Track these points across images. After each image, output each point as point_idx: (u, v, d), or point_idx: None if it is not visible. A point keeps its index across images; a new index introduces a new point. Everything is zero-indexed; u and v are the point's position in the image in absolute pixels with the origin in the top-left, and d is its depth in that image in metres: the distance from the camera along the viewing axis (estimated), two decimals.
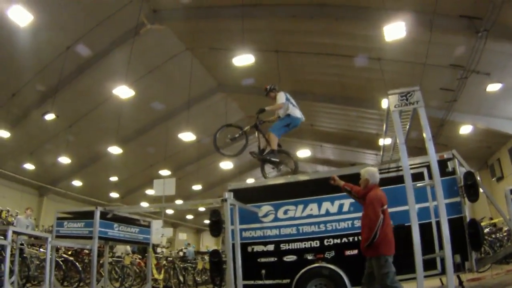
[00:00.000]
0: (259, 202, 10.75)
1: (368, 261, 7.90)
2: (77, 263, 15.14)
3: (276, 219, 10.55)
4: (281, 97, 11.28)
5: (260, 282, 10.32)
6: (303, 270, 9.67)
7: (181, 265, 17.84)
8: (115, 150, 27.62)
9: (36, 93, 24.52)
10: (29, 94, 24.42)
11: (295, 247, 10.13)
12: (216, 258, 10.66)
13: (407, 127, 8.98)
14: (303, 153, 32.11)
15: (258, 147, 11.77)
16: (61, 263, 14.66)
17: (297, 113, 11.34)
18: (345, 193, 9.30)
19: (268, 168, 12.07)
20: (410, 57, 18.48)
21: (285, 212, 10.46)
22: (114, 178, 34.55)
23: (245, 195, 10.62)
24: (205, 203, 10.10)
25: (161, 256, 19.95)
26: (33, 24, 17.07)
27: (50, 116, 22.99)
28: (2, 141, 26.78)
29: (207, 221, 49.12)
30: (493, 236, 16.40)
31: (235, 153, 12.18)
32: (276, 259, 10.35)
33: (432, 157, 7.99)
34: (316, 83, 23.16)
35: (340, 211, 9.94)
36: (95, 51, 22.02)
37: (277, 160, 11.47)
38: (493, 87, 18.40)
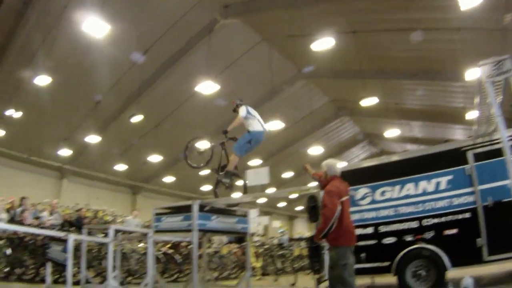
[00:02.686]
0: (356, 185, 10.69)
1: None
2: (176, 256, 15.52)
3: (373, 201, 10.55)
4: (241, 111, 11.17)
5: (360, 265, 10.26)
6: (403, 252, 9.65)
7: (279, 252, 17.98)
8: (201, 144, 27.76)
9: (120, 98, 25.48)
10: (114, 99, 25.43)
11: (394, 229, 10.10)
12: (314, 244, 10.71)
13: (500, 98, 8.67)
14: (391, 132, 31.64)
15: (218, 164, 11.84)
16: (161, 256, 15.08)
17: (256, 126, 11.17)
18: (441, 171, 9.26)
19: (221, 187, 12.04)
20: (489, 24, 17.75)
21: (382, 194, 10.42)
22: (205, 172, 35.07)
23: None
24: (303, 189, 10.11)
25: (258, 244, 20.21)
26: (110, 33, 17.51)
27: (136, 118, 23.77)
28: (93, 146, 28.17)
29: (299, 208, 49.06)
30: None
31: (200, 165, 12.39)
32: (375, 241, 10.35)
33: None
34: (397, 60, 22.49)
35: (437, 190, 9.78)
36: (173, 51, 22.44)
37: (228, 182, 11.62)
38: None
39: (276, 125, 26.15)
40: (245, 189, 12.17)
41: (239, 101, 11.71)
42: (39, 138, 27.78)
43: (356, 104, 26.12)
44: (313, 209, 9.80)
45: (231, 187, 11.80)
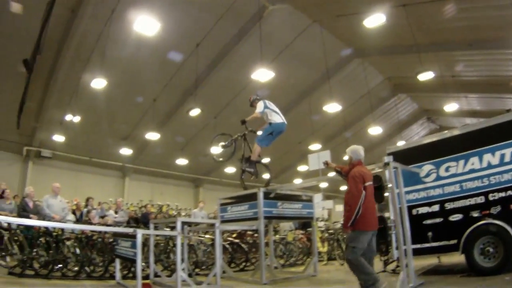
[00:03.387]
0: (419, 162, 10.65)
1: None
2: (242, 245, 15.61)
3: (438, 177, 10.39)
4: (259, 106, 11.77)
5: (427, 245, 10.16)
6: (470, 229, 9.43)
7: (344, 235, 17.93)
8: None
9: (176, 93, 25.82)
10: (170, 95, 25.81)
11: (460, 205, 9.89)
12: (381, 225, 10.61)
13: None
14: (449, 107, 30.59)
15: (242, 155, 12.21)
16: (227, 246, 15.22)
17: (277, 118, 11.81)
18: (505, 143, 9.16)
19: (246, 175, 12.45)
20: None
21: (447, 170, 10.24)
22: (265, 160, 35.05)
23: (404, 157, 10.52)
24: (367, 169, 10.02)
25: (323, 229, 20.13)
26: (161, 30, 17.89)
27: (194, 112, 24.14)
28: (153, 143, 28.67)
29: None
30: None
31: (225, 159, 12.83)
32: (441, 219, 10.18)
33: None
34: (449, 31, 21.59)
35: (502, 162, 9.48)
36: (224, 42, 22.54)
37: (252, 170, 11.96)
38: None
39: (333, 107, 26.07)
40: (268, 182, 12.67)
41: (256, 96, 12.25)
42: (99, 139, 28.62)
43: (412, 80, 25.74)
44: (378, 190, 9.65)
45: (256, 175, 12.15)
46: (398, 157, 9.95)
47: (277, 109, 12.01)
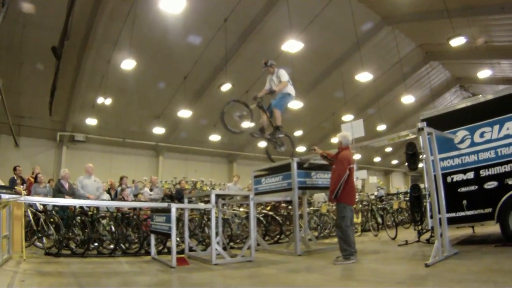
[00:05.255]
0: (454, 128, 10.48)
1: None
2: (276, 217, 15.66)
3: (472, 143, 10.21)
4: (285, 75, 11.57)
5: (461, 213, 10.06)
6: (505, 197, 9.32)
7: (379, 206, 17.85)
8: (295, 104, 26.78)
9: (207, 70, 25.83)
10: (200, 72, 25.79)
11: (495, 172, 9.71)
12: (416, 193, 10.56)
13: None
14: (482, 74, 30.05)
15: (261, 127, 11.71)
16: (262, 219, 15.24)
17: (293, 91, 11.85)
18: None
19: (270, 147, 12.31)
20: None
21: (481, 135, 10.05)
22: (298, 133, 34.84)
23: (438, 123, 10.36)
24: (401, 135, 9.89)
25: (357, 200, 20.07)
26: (188, 7, 17.91)
27: (226, 87, 24.22)
28: (186, 120, 28.98)
29: (395, 162, 48.30)
30: None
31: (241, 130, 12.12)
32: (476, 187, 10.02)
33: None
34: None
35: None
36: (253, 15, 22.45)
37: (282, 135, 11.68)
38: None
39: (365, 77, 25.84)
40: (293, 146, 12.78)
41: (271, 61, 11.92)
42: (132, 120, 29.25)
43: (444, 47, 25.48)
44: (413, 156, 9.57)
45: (282, 144, 11.92)
46: (432, 123, 9.87)
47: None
